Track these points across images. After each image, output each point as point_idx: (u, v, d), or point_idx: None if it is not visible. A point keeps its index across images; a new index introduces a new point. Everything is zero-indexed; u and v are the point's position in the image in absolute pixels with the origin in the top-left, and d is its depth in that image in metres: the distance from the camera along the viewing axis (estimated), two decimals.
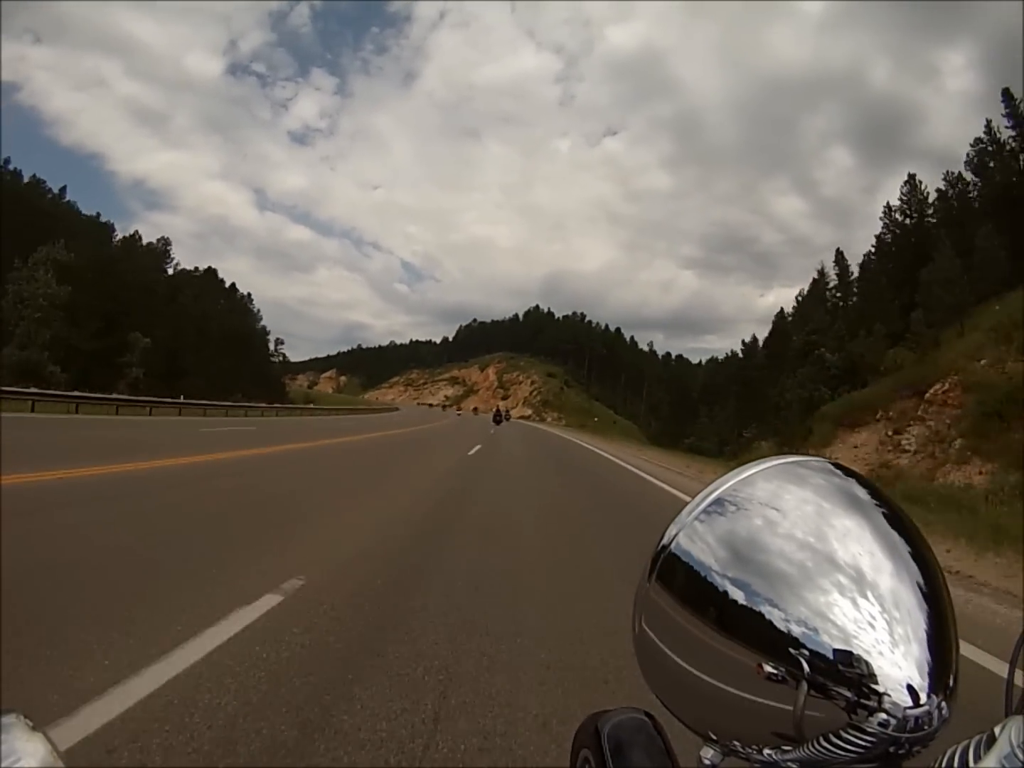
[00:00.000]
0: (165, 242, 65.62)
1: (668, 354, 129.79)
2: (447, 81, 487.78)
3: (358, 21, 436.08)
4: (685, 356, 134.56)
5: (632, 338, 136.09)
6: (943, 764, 0.30)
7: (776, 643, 0.31)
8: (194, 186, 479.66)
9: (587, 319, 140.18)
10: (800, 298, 60.37)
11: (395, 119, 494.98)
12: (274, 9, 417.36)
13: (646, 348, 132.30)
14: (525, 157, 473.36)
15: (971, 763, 0.28)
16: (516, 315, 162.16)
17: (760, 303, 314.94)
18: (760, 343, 65.40)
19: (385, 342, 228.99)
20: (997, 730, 0.28)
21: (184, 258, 74.74)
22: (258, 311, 75.75)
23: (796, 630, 0.30)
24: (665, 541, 0.37)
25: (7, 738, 0.27)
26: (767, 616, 0.31)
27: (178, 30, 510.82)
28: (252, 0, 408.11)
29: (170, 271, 61.18)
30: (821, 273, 59.83)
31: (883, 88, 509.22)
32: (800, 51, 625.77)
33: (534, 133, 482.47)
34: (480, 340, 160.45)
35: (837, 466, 0.37)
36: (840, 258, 58.40)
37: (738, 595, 0.32)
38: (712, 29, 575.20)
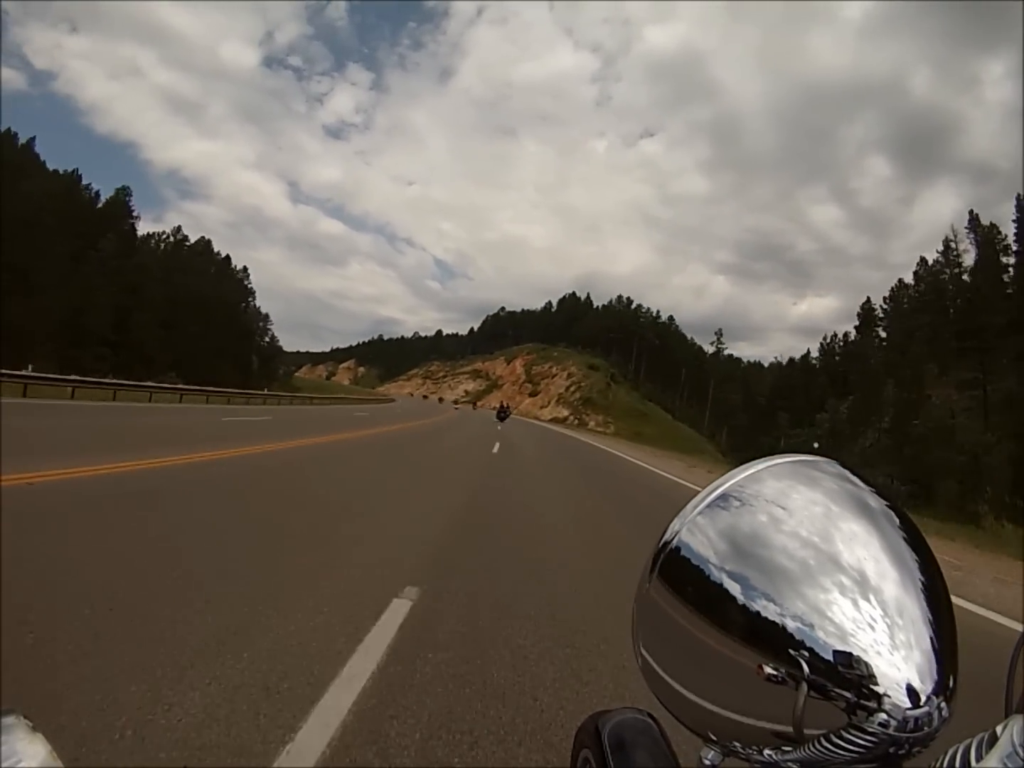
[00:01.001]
0: (126, 192, 52.95)
1: (717, 352, 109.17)
2: (484, 78, 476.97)
3: (395, 16, 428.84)
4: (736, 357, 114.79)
5: (680, 331, 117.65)
6: (944, 764, 0.29)
7: (776, 643, 0.30)
8: (228, 176, 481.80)
9: (635, 304, 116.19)
10: (921, 272, 44.58)
11: (431, 115, 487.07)
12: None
13: (702, 344, 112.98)
14: (561, 157, 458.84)
15: (972, 763, 0.28)
16: (549, 303, 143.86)
17: (793, 312, 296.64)
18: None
19: (410, 334, 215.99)
20: (999, 729, 0.28)
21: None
22: (241, 277, 62.88)
23: (797, 629, 0.30)
24: (667, 537, 0.35)
25: (7, 739, 0.26)
26: (768, 615, 0.31)
27: (214, 20, 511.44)
28: None
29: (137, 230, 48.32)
30: (947, 245, 43.58)
31: (923, 97, 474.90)
32: (840, 58, 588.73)
33: (570, 133, 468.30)
34: (508, 331, 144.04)
35: (850, 470, 0.36)
36: (976, 222, 42.35)
37: (740, 592, 0.31)
38: (752, 33, 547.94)
